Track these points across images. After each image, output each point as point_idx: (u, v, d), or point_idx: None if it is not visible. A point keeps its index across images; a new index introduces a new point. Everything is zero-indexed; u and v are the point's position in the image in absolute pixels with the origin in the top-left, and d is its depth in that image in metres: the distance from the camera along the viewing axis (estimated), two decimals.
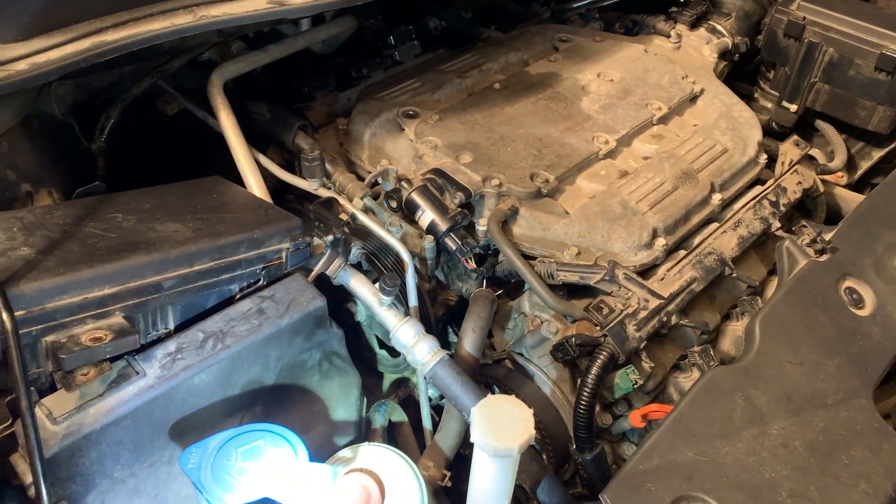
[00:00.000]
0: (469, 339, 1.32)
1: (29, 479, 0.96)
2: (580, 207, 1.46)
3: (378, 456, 1.12)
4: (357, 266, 1.34)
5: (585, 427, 1.28)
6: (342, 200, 1.37)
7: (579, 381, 1.29)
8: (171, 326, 1.10)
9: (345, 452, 1.14)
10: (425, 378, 1.25)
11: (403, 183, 1.46)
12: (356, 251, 1.30)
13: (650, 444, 1.07)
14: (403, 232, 1.44)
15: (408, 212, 1.45)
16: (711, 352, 1.43)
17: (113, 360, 1.00)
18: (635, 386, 1.32)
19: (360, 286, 1.27)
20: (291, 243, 1.20)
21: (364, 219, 1.34)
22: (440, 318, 1.51)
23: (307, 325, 1.16)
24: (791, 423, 1.13)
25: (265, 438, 0.90)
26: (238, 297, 1.16)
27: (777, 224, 1.60)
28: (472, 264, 1.44)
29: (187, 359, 1.05)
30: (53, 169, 1.28)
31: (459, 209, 1.43)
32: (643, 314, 1.34)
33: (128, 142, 1.52)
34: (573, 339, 1.29)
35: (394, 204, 1.48)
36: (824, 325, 1.27)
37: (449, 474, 1.27)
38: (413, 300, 1.33)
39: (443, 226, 1.41)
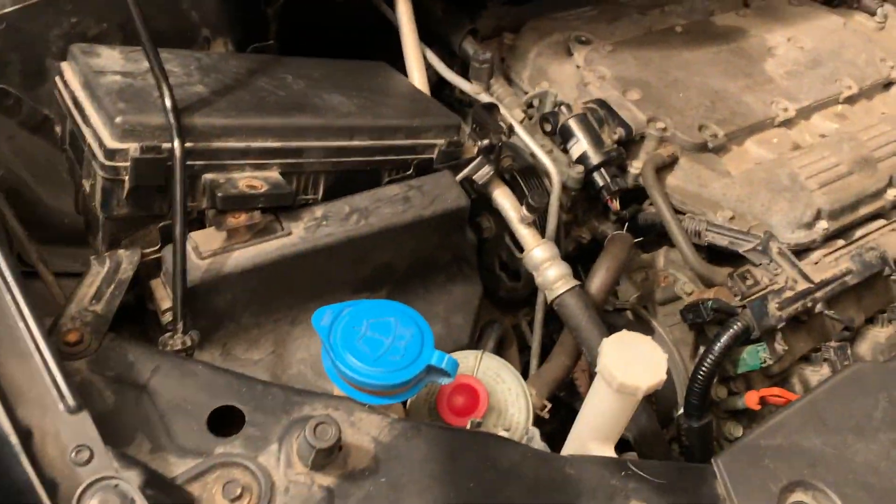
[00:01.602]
0: (600, 278, 1.27)
1: (165, 304, 1.00)
2: (745, 171, 1.37)
3: (490, 366, 1.11)
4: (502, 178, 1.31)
5: (700, 394, 1.22)
6: (503, 109, 1.34)
7: (705, 347, 1.23)
8: (320, 195, 1.10)
9: (458, 354, 1.13)
10: (550, 304, 1.22)
11: (563, 108, 1.41)
12: (506, 163, 1.27)
13: (777, 421, 1.01)
14: (553, 157, 1.40)
15: (561, 139, 1.40)
16: (848, 351, 1.35)
17: (263, 211, 1.02)
18: (763, 365, 1.25)
19: (503, 198, 1.24)
20: (446, 140, 1.18)
21: (522, 132, 1.30)
22: (569, 254, 1.47)
23: (447, 223, 1.15)
24: None
25: (397, 317, 0.89)
26: (386, 182, 1.16)
27: None
28: (616, 205, 1.38)
29: (331, 227, 1.05)
30: (232, 21, 1.30)
31: (616, 146, 1.37)
32: (789, 294, 1.25)
33: (300, 14, 1.52)
34: (710, 303, 1.23)
35: (548, 127, 1.43)
36: None
37: (549, 406, 1.24)
38: (552, 225, 1.29)
39: (595, 159, 1.35)
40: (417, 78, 1.35)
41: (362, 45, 1.60)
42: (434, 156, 1.19)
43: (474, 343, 1.28)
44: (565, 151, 1.40)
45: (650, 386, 0.90)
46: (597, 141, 1.36)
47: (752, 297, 1.24)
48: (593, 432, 1.00)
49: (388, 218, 1.09)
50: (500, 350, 1.37)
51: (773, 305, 1.24)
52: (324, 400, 0.86)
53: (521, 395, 1.07)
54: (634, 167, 1.39)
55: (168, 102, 0.94)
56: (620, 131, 1.36)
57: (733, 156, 1.41)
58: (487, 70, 1.33)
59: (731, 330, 1.20)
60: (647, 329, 1.39)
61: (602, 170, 1.36)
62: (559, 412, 1.31)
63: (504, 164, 1.27)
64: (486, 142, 1.20)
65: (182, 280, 0.93)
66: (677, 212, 1.36)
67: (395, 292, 1.15)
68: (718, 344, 1.20)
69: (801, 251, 1.35)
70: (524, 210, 1.20)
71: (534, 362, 1.35)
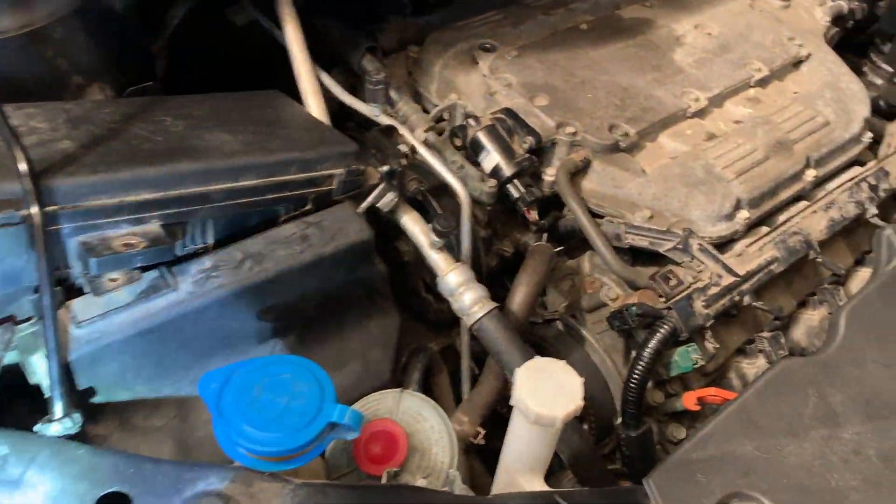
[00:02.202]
0: (521, 294, 1.23)
1: (47, 381, 0.92)
2: (659, 167, 1.34)
3: (410, 405, 1.06)
4: (411, 202, 1.26)
5: (635, 403, 1.19)
6: (403, 131, 1.28)
7: (634, 353, 1.20)
8: (210, 242, 1.04)
9: (375, 396, 1.08)
10: (469, 329, 1.17)
11: (471, 120, 1.36)
12: (412, 186, 1.22)
13: (707, 431, 0.97)
14: (465, 173, 1.35)
15: (472, 152, 1.35)
16: (782, 339, 1.32)
17: (145, 269, 0.95)
18: (695, 366, 1.22)
19: (411, 224, 1.19)
20: (344, 170, 1.13)
21: (425, 153, 1.25)
22: (492, 269, 1.42)
23: (351, 258, 1.09)
24: (867, 430, 1.01)
25: (292, 372, 0.84)
26: (283, 219, 1.09)
27: (874, 210, 1.45)
28: (533, 215, 1.34)
29: (222, 277, 0.99)
30: (108, 64, 1.22)
31: (528, 155, 1.32)
32: (714, 290, 1.23)
33: (190, 47, 1.45)
34: (634, 309, 1.19)
35: (458, 142, 1.38)
36: None
37: (483, 432, 1.20)
38: (466, 246, 1.25)
39: (507, 171, 1.31)
40: (313, 104, 1.30)
41: (263, 73, 1.54)
42: (333, 187, 1.13)
43: (398, 375, 1.23)
44: (477, 165, 1.35)
45: (567, 414, 0.86)
46: (508, 152, 1.32)
47: (677, 298, 1.21)
48: (519, 465, 0.95)
49: (284, 261, 1.03)
50: (428, 377, 1.31)
51: (698, 304, 1.21)
52: (219, 472, 0.80)
53: (444, 432, 1.02)
54: (548, 174, 1.35)
55: (22, 166, 0.86)
56: (530, 140, 1.32)
57: (647, 153, 1.38)
58: (383, 91, 1.28)
59: (658, 334, 1.17)
60: (577, 338, 1.35)
61: (516, 181, 1.32)
62: (502, 429, 1.26)
63: (410, 187, 1.22)
64: (385, 168, 1.14)
65: (56, 357, 0.86)
66: (596, 216, 1.32)
67: (305, 336, 1.09)
68: (647, 350, 1.17)
69: (724, 243, 1.32)
70: (432, 235, 1.15)
71: (465, 387, 1.30)
